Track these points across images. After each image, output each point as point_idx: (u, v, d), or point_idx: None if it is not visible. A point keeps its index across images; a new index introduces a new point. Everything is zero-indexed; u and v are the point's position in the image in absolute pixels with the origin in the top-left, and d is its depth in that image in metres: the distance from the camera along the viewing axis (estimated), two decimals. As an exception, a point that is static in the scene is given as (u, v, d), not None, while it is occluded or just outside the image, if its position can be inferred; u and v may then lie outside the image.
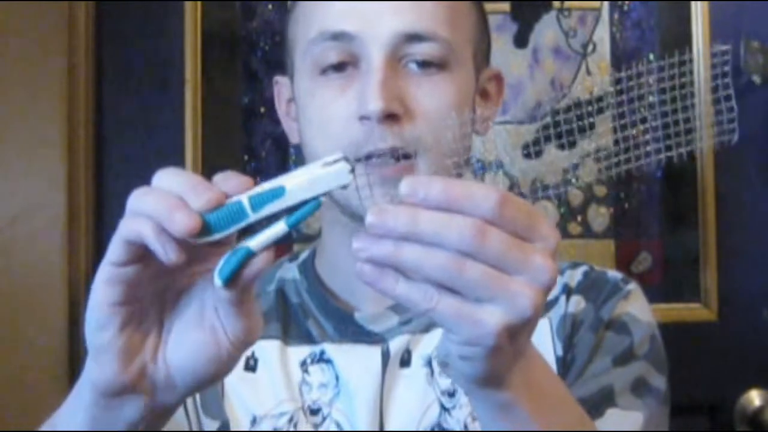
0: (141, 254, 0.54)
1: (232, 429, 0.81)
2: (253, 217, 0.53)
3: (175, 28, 1.30)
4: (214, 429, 0.81)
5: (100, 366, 0.56)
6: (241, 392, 0.82)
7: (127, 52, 1.31)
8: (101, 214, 1.29)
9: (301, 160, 1.31)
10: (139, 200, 0.54)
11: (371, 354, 0.81)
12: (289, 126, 0.87)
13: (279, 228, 0.53)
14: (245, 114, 1.32)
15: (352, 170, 0.53)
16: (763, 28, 1.34)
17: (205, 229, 0.52)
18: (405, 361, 0.81)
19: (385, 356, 0.81)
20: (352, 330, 0.82)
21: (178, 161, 1.29)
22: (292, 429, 0.80)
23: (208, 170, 1.30)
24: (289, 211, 0.53)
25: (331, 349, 0.82)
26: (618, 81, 0.58)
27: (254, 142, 1.32)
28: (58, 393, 1.19)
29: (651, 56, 1.35)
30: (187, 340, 0.57)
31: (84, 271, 1.24)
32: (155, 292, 0.58)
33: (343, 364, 0.81)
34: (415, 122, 0.75)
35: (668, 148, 0.56)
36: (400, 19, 0.75)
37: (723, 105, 0.57)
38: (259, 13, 1.33)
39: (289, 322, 0.85)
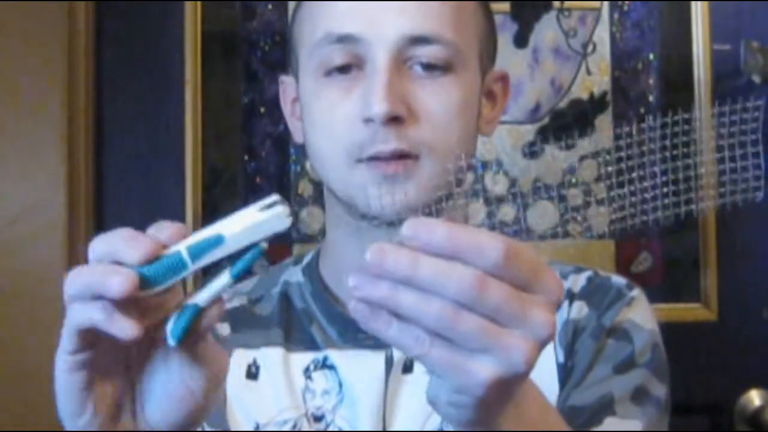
0: (93, 337, 0.54)
1: None
2: (192, 267, 0.52)
3: (175, 28, 1.30)
4: None
5: None
6: (244, 400, 0.81)
7: (127, 52, 1.31)
8: (101, 214, 1.29)
9: (301, 160, 1.31)
10: (71, 282, 0.54)
11: (375, 360, 0.80)
12: (294, 126, 0.87)
13: (223, 279, 0.53)
14: (245, 114, 1.32)
15: (291, 213, 0.52)
16: (763, 28, 1.34)
17: (146, 283, 0.52)
18: (408, 367, 0.80)
19: (389, 362, 0.80)
20: (356, 335, 0.81)
21: (178, 161, 1.29)
22: None
23: (208, 170, 1.30)
24: (231, 257, 0.53)
25: (334, 355, 0.82)
26: (618, 137, 0.56)
27: (254, 142, 1.32)
28: (58, 393, 1.20)
29: (651, 56, 1.35)
30: (161, 395, 0.58)
31: (84, 271, 1.24)
32: (118, 363, 0.58)
33: (346, 371, 0.81)
34: (419, 125, 0.75)
35: (676, 204, 0.55)
36: (406, 22, 0.75)
37: (750, 162, 0.56)
38: (259, 13, 1.33)
39: (293, 329, 0.85)
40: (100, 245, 0.54)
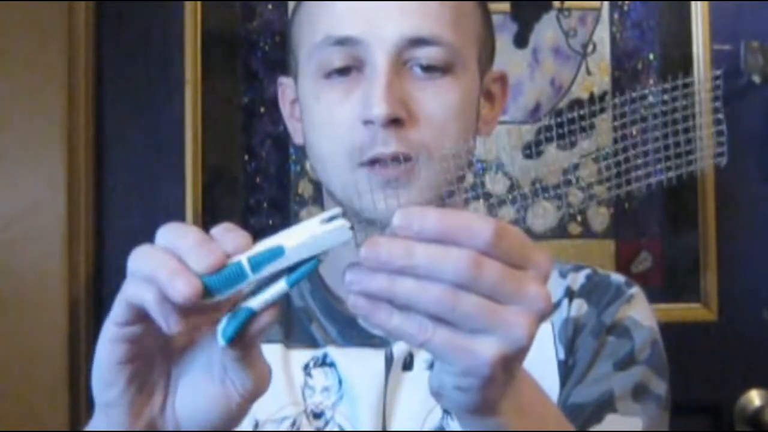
0: (144, 315, 0.54)
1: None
2: (252, 278, 0.52)
3: (175, 28, 1.30)
4: None
5: (109, 419, 0.57)
6: None
7: (127, 52, 1.31)
8: (101, 214, 1.29)
9: (301, 160, 1.31)
10: (140, 261, 0.53)
11: (375, 357, 0.81)
12: (293, 127, 0.87)
13: (280, 287, 0.53)
14: (245, 114, 1.32)
15: (352, 227, 0.52)
16: (763, 28, 1.34)
17: (205, 291, 0.52)
18: (407, 365, 0.81)
19: (389, 359, 0.80)
20: (355, 333, 0.82)
21: (178, 161, 1.29)
22: None
23: (208, 170, 1.30)
24: (289, 267, 0.53)
25: (334, 352, 0.82)
26: (615, 106, 0.57)
27: (254, 142, 1.32)
28: (58, 393, 1.20)
29: (651, 56, 1.35)
30: (196, 393, 0.58)
31: (84, 271, 1.24)
32: (160, 347, 0.58)
33: (346, 368, 0.81)
34: (418, 127, 0.75)
35: (668, 168, 0.56)
36: (405, 23, 0.75)
37: (714, 128, 0.57)
38: (259, 13, 1.33)
39: (292, 326, 0.85)
40: (169, 237, 0.53)
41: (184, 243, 0.52)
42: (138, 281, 0.53)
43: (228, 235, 0.53)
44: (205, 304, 0.52)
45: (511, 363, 0.51)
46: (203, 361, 0.58)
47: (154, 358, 0.58)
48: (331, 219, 0.53)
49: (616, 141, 0.58)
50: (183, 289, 0.50)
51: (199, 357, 0.58)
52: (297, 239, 0.52)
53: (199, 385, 0.58)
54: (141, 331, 0.55)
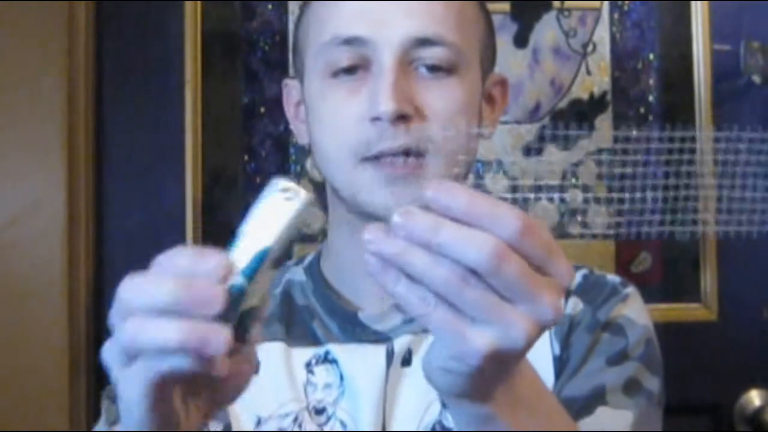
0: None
1: (235, 430, 0.81)
2: (248, 287, 0.51)
3: (175, 28, 1.30)
4: (218, 431, 0.81)
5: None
6: (245, 394, 0.82)
7: (127, 52, 1.31)
8: (101, 214, 1.29)
9: (301, 160, 1.31)
10: (153, 335, 0.49)
11: (376, 353, 0.81)
12: (298, 128, 0.88)
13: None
14: (245, 114, 1.32)
15: (303, 188, 0.52)
16: (763, 28, 1.34)
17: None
18: (406, 360, 0.81)
19: (390, 355, 0.81)
20: (357, 330, 0.83)
21: (178, 161, 1.29)
22: (296, 429, 0.80)
23: (208, 170, 1.30)
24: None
25: (336, 349, 0.83)
26: (616, 139, 0.56)
27: (254, 142, 1.32)
28: (58, 393, 1.20)
29: (651, 56, 1.35)
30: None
31: (84, 272, 1.24)
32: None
33: (348, 364, 0.82)
34: (425, 123, 0.76)
35: (672, 222, 0.55)
36: (412, 24, 0.76)
37: (759, 193, 0.56)
38: (259, 13, 1.33)
39: (294, 324, 0.85)
40: (159, 296, 0.50)
41: (184, 298, 0.49)
42: (158, 356, 0.50)
43: (212, 268, 0.50)
44: None
45: (503, 359, 0.51)
46: None
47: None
48: (286, 190, 0.52)
49: (623, 177, 0.57)
50: (220, 342, 0.49)
51: None
52: (274, 231, 0.51)
53: None
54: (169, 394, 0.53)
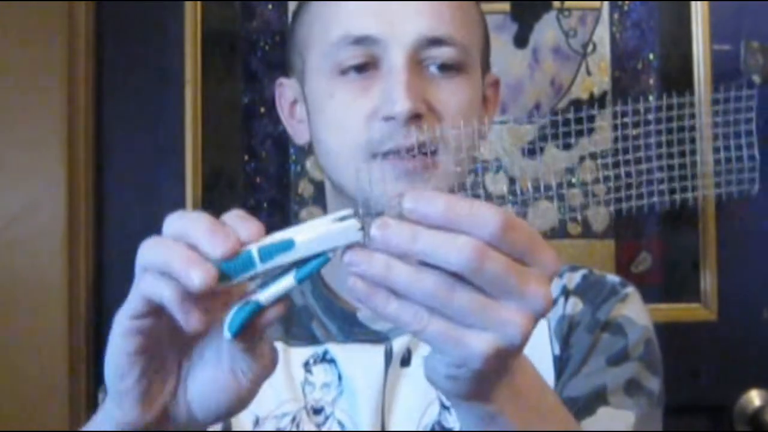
0: (159, 308, 0.54)
1: (234, 430, 0.81)
2: (260, 268, 0.52)
3: (175, 28, 1.30)
4: (217, 431, 0.81)
5: (122, 409, 0.57)
6: None
7: (127, 52, 1.31)
8: (101, 214, 1.29)
9: (301, 160, 1.31)
10: (151, 253, 0.53)
11: (374, 353, 0.81)
12: (293, 127, 0.88)
13: (288, 282, 0.53)
14: (245, 114, 1.32)
15: (362, 228, 0.52)
16: (763, 28, 1.34)
17: (219, 275, 0.52)
18: (405, 360, 0.81)
19: (388, 355, 0.81)
20: (355, 329, 0.83)
21: (178, 161, 1.29)
22: (294, 429, 0.80)
23: (208, 170, 1.30)
24: (297, 263, 0.53)
25: (334, 349, 0.83)
26: (615, 114, 0.57)
27: (254, 142, 1.32)
28: (58, 393, 1.20)
29: (651, 56, 1.35)
30: (206, 380, 0.58)
31: (84, 271, 1.24)
32: (172, 337, 0.58)
33: (346, 364, 0.82)
34: (437, 121, 0.76)
35: (672, 191, 0.55)
36: (422, 23, 0.77)
37: (744, 152, 0.56)
38: (259, 13, 1.33)
39: (292, 324, 0.85)
40: (179, 225, 0.53)
41: (197, 229, 0.52)
42: (154, 276, 0.52)
43: (241, 222, 0.53)
44: (214, 290, 0.52)
45: (504, 358, 0.51)
46: (213, 351, 0.58)
47: (167, 347, 0.58)
48: (343, 219, 0.52)
49: (616, 152, 0.58)
50: (199, 276, 0.50)
51: (208, 346, 0.59)
52: (307, 235, 0.52)
53: (208, 374, 0.58)
54: (155, 323, 0.55)
